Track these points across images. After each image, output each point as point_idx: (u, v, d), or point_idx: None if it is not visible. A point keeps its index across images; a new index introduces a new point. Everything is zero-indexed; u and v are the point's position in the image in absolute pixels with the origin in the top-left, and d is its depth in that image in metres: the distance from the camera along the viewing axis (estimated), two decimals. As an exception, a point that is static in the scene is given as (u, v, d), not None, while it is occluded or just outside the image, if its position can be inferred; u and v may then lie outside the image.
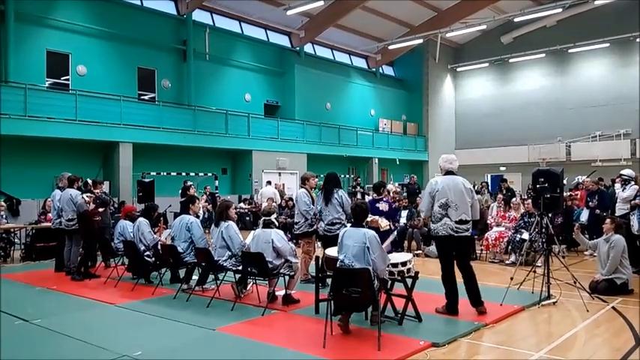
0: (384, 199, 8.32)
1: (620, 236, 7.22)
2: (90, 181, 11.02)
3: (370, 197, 9.98)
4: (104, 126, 15.59)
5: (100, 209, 9.27)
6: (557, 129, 25.79)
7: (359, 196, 17.27)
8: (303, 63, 24.02)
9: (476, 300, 5.92)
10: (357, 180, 20.23)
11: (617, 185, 9.56)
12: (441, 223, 5.84)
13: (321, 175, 8.24)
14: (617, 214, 8.96)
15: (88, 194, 9.16)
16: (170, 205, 14.23)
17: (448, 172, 6.08)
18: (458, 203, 5.83)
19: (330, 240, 7.09)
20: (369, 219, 7.42)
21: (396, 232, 7.40)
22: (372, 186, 11.55)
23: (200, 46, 20.14)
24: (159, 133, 16.97)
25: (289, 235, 12.22)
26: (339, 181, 7.84)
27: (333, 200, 7.45)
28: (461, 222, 5.82)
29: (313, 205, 7.87)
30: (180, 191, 14.82)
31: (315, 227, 7.80)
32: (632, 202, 8.59)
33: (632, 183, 9.05)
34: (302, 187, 8.20)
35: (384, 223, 7.44)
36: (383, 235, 7.30)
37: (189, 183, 14.56)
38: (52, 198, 9.46)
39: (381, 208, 7.89)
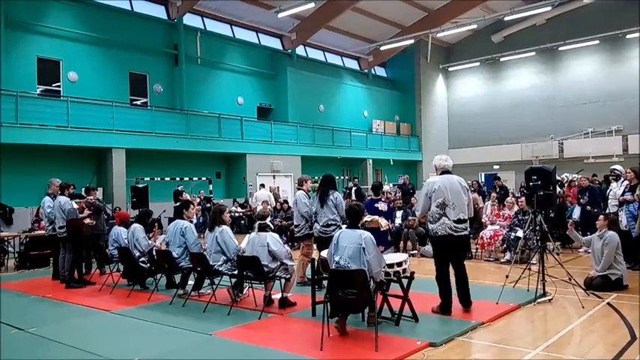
0: (382, 199, 8.34)
1: (614, 232, 7.27)
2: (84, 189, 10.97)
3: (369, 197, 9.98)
4: (96, 132, 15.51)
5: (88, 220, 9.20)
6: (549, 127, 25.91)
7: (353, 196, 17.25)
8: (295, 65, 24.03)
9: (465, 300, 6.00)
10: (355, 180, 20.31)
11: (615, 183, 9.59)
12: (439, 222, 5.82)
13: (316, 177, 8.23)
14: (610, 211, 9.02)
15: (77, 200, 9.10)
16: (164, 211, 14.18)
17: (444, 172, 6.08)
18: (455, 202, 5.81)
19: (324, 241, 7.08)
20: (368, 219, 7.43)
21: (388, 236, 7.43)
22: (370, 187, 11.58)
23: (191, 50, 20.11)
24: (152, 138, 16.92)
25: (285, 238, 12.24)
26: (334, 183, 7.84)
27: (328, 202, 7.46)
28: (459, 221, 5.81)
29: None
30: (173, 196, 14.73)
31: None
32: (621, 197, 8.65)
33: (622, 179, 9.12)
34: (299, 189, 8.19)
35: (384, 223, 7.46)
36: (383, 234, 7.31)
37: (180, 187, 14.53)
38: (42, 205, 9.42)
39: (380, 208, 7.91)
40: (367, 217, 7.46)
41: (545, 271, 6.61)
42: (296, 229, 8.09)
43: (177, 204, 10.46)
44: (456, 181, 5.96)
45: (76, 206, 8.88)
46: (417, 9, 25.24)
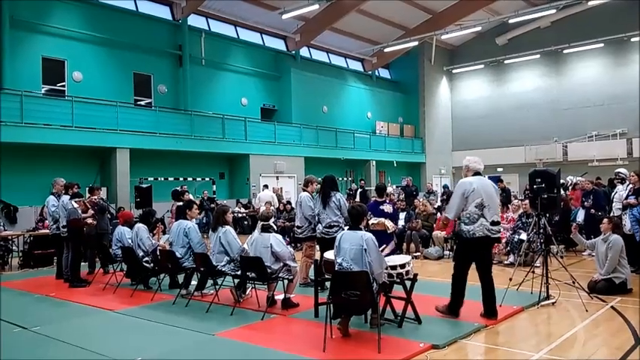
0: (387, 200, 8.28)
1: (618, 236, 7.24)
2: (88, 188, 10.97)
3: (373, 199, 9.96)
4: (101, 132, 15.57)
5: (89, 220, 9.22)
6: (554, 129, 25.87)
7: (358, 198, 17.26)
8: (299, 67, 24.06)
9: (491, 310, 5.77)
10: (362, 182, 20.33)
11: (621, 186, 9.55)
12: (477, 224, 5.61)
13: (320, 179, 8.19)
14: (615, 214, 8.98)
15: (76, 199, 9.13)
16: (168, 210, 14.16)
17: (476, 173, 5.91)
18: (490, 204, 5.67)
19: (327, 243, 7.08)
20: (375, 221, 7.39)
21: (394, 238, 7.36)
22: (373, 188, 11.57)
23: (196, 51, 20.16)
24: (156, 139, 16.96)
25: (288, 239, 12.24)
26: (336, 184, 7.82)
27: (330, 203, 7.44)
28: (494, 223, 5.67)
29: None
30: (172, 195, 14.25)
31: (318, 231, 7.79)
32: (624, 201, 8.61)
33: (628, 182, 9.08)
34: (304, 191, 8.15)
35: (390, 225, 7.40)
36: (389, 237, 7.27)
37: (181, 188, 14.44)
38: (47, 204, 9.46)
39: (385, 210, 7.86)
40: (373, 220, 7.42)
41: (548, 274, 6.59)
42: (298, 230, 8.04)
43: (179, 203, 10.36)
44: (489, 184, 5.84)
45: (76, 205, 8.89)
46: (421, 11, 25.22)
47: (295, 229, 8.31)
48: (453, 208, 5.80)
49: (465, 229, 5.69)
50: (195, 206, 8.22)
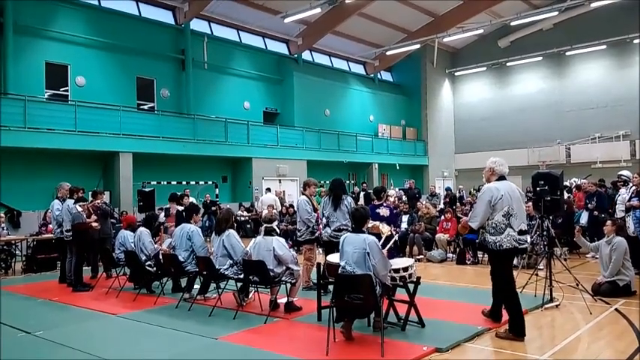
0: (385, 204, 8.26)
1: (622, 238, 7.23)
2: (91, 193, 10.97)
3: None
4: (104, 136, 15.61)
5: (95, 223, 9.24)
6: (557, 131, 25.83)
7: (361, 201, 17.24)
8: (302, 70, 24.10)
9: (497, 314, 5.73)
10: (364, 185, 20.31)
11: (623, 189, 9.52)
12: (505, 234, 5.16)
13: (322, 182, 8.19)
14: (618, 216, 8.96)
15: (81, 203, 9.14)
16: (165, 217, 14.17)
17: (501, 177, 5.44)
18: (517, 212, 5.23)
19: (334, 246, 7.06)
20: (370, 225, 7.37)
21: (396, 237, 7.29)
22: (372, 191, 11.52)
23: (198, 55, 20.22)
24: (158, 143, 16.99)
25: (290, 242, 12.23)
26: (345, 188, 7.82)
27: (342, 207, 7.41)
28: (521, 232, 5.24)
29: (315, 212, 7.87)
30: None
31: (317, 234, 7.78)
32: (627, 203, 8.59)
33: (631, 184, 9.07)
34: (303, 194, 8.16)
35: (385, 229, 7.35)
36: (385, 241, 7.23)
37: (182, 192, 14.44)
38: (51, 208, 9.48)
39: (381, 214, 7.82)
40: (369, 224, 7.40)
41: (552, 276, 6.57)
42: (298, 234, 8.09)
43: (180, 207, 10.29)
44: (516, 189, 5.39)
45: (80, 209, 8.91)
46: (423, 14, 25.26)
47: (296, 232, 8.34)
48: (478, 217, 5.31)
49: (490, 240, 5.26)
50: (201, 211, 8.22)
